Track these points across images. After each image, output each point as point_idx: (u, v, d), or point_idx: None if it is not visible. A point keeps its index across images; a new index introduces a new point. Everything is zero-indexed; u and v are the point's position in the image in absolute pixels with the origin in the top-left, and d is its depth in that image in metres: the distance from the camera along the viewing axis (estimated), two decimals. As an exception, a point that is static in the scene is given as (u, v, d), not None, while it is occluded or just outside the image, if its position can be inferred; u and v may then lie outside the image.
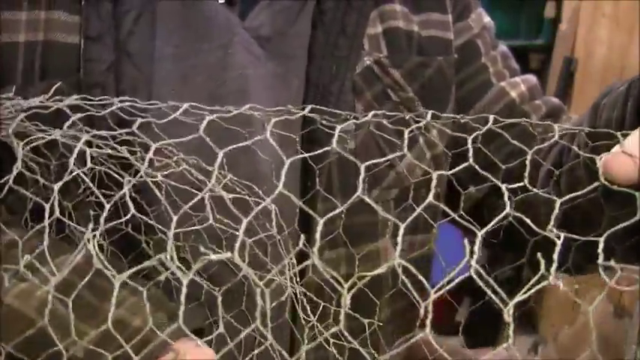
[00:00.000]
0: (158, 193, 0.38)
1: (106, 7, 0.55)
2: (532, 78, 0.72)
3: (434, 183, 0.27)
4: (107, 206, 0.29)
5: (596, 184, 0.31)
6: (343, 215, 0.56)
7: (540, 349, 2.08)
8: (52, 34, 0.55)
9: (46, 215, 0.29)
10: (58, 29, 0.55)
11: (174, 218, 0.28)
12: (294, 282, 0.49)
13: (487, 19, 0.71)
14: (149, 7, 0.56)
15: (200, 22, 0.58)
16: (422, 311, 0.23)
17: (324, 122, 0.50)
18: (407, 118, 0.36)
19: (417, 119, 0.39)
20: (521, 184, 0.32)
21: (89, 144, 0.37)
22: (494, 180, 0.30)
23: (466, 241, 0.26)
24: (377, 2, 0.62)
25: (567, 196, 0.30)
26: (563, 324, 1.94)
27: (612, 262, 0.29)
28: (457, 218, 0.31)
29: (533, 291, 0.24)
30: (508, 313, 0.23)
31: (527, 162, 0.30)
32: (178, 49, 0.57)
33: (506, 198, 0.27)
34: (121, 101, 0.38)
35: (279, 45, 0.59)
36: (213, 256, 0.27)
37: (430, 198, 0.27)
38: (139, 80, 0.55)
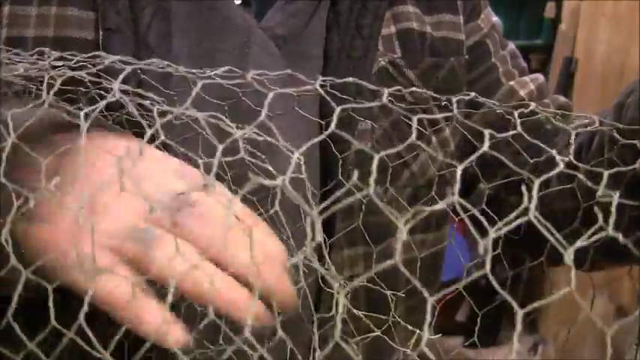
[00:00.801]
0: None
1: (123, 2, 0.55)
2: (540, 77, 0.73)
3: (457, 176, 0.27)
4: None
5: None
6: (361, 214, 0.57)
7: (540, 349, 2.08)
8: (64, 30, 0.55)
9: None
10: (71, 25, 0.55)
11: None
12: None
13: (495, 18, 0.72)
14: (164, 4, 0.56)
15: (216, 23, 0.58)
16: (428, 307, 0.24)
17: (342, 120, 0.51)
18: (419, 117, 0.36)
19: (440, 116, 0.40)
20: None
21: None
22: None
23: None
24: (391, 3, 0.62)
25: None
26: (563, 324, 1.94)
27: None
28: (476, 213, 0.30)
29: (591, 240, 0.24)
30: (569, 257, 0.23)
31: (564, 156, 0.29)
32: (194, 49, 0.57)
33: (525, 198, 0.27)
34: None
35: (295, 45, 0.60)
36: (265, 182, 0.25)
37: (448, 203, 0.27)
38: (159, 74, 0.55)
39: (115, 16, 0.55)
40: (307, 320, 0.54)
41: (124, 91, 0.35)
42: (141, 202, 0.34)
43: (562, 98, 0.73)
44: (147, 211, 0.34)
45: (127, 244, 0.34)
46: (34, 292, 0.28)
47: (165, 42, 0.56)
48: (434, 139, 0.63)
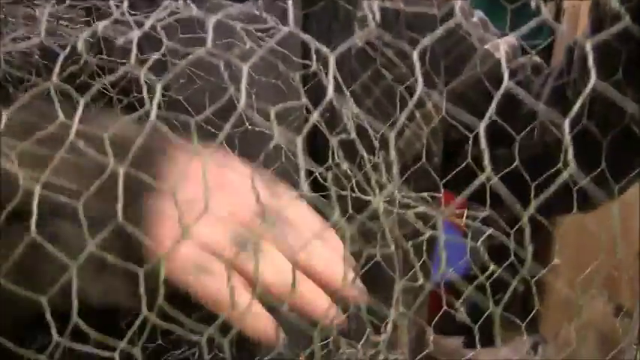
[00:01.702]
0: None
1: None
2: (511, 39, 0.76)
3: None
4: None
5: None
6: (354, 193, 0.58)
7: (540, 349, 2.08)
8: None
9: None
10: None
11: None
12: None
13: None
14: None
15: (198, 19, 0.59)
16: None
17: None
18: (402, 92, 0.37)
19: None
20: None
21: None
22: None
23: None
24: None
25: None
26: (563, 323, 1.94)
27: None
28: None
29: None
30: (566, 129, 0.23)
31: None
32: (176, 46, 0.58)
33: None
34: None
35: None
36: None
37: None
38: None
39: None
40: None
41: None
42: (237, 208, 0.38)
43: (536, 58, 0.76)
44: (242, 219, 0.38)
45: (228, 247, 0.37)
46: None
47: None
48: (417, 114, 0.64)
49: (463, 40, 0.72)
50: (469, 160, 0.58)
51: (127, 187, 0.27)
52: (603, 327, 1.74)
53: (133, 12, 0.40)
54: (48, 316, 0.25)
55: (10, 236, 0.32)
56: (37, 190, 0.25)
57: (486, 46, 0.73)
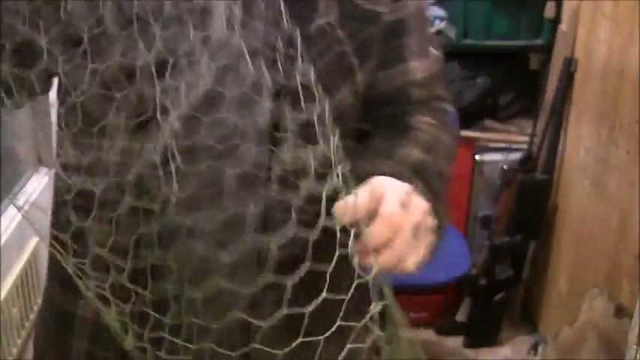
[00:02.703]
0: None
1: None
2: (433, 65, 0.84)
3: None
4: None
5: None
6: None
7: (540, 349, 2.08)
8: None
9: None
10: None
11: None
12: None
13: (431, 13, 0.81)
14: None
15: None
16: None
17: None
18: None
19: None
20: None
21: None
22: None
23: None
24: None
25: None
26: (563, 323, 1.94)
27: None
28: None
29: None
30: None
31: None
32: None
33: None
34: None
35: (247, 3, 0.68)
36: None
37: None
38: None
39: None
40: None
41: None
42: None
43: (439, 116, 0.83)
44: None
45: None
46: None
47: None
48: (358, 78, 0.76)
49: (399, 48, 0.81)
50: None
51: None
52: (603, 327, 1.74)
53: None
54: None
55: None
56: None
57: (411, 63, 0.81)
